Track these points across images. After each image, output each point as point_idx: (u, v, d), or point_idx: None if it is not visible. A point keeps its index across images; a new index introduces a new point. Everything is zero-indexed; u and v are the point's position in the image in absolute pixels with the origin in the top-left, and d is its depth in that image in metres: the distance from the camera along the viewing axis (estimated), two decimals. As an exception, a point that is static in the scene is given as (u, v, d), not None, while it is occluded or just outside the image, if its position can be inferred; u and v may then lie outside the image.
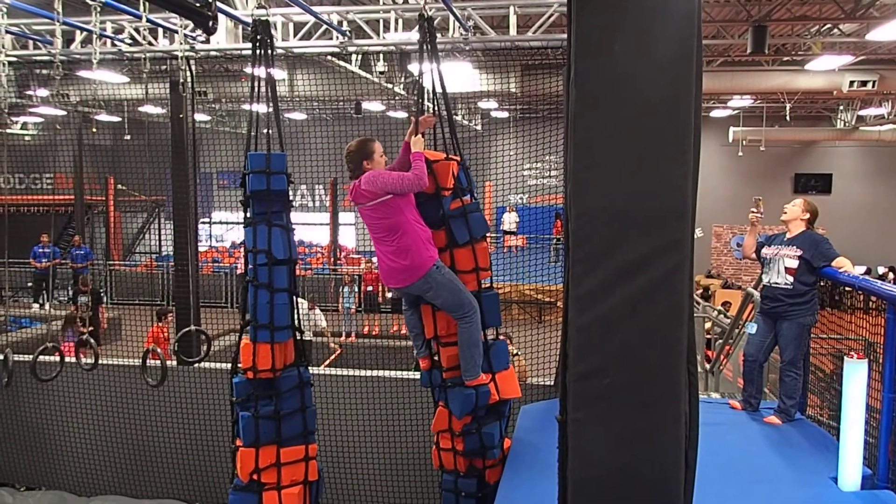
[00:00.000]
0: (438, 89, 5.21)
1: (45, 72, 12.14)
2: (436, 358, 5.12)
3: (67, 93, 14.34)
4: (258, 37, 4.94)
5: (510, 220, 21.24)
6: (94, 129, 16.83)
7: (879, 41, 12.38)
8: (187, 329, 7.98)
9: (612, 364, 2.41)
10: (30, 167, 21.79)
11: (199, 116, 16.69)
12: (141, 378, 7.90)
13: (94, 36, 7.76)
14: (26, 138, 20.79)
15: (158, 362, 7.85)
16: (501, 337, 8.21)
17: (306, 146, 13.53)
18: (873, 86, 14.64)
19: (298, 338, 5.11)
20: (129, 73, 13.10)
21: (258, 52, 5.00)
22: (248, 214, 4.92)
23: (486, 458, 5.11)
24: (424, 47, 5.16)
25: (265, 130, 5.03)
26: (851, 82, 14.56)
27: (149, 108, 17.06)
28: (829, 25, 12.79)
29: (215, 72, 14.65)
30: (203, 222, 18.08)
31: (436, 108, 5.30)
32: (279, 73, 13.10)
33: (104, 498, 9.01)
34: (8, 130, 14.34)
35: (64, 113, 16.41)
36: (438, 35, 5.58)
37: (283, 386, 4.93)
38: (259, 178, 4.78)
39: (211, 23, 4.71)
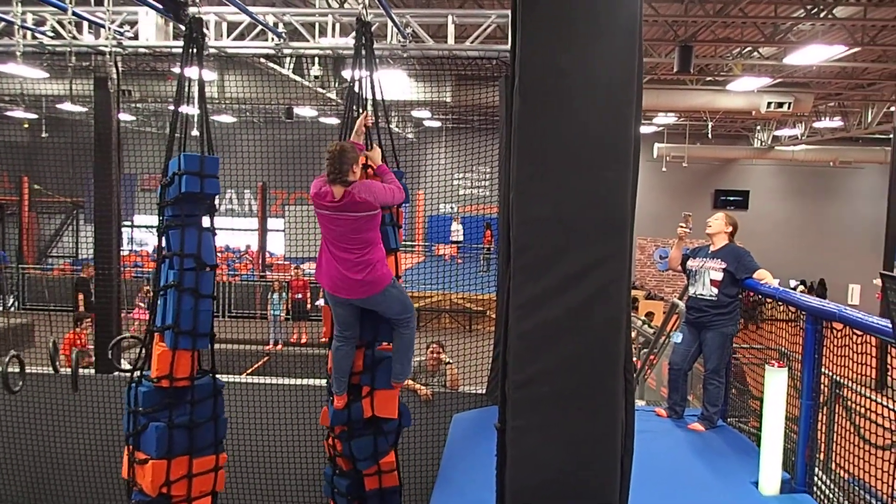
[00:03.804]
0: (376, 96, 5.18)
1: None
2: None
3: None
4: (192, 34, 4.77)
5: (457, 231, 21.77)
6: (27, 125, 15.98)
7: (795, 65, 13.02)
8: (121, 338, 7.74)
9: (552, 372, 2.43)
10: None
11: (122, 116, 16.13)
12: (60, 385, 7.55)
13: (17, 27, 7.39)
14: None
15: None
16: (433, 346, 8.18)
17: (235, 149, 13.22)
18: (789, 107, 15.41)
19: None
20: (48, 69, 12.52)
21: (189, 50, 4.83)
22: (170, 215, 4.68)
23: (356, 467, 5.09)
24: (361, 52, 5.12)
25: (193, 132, 4.87)
26: (769, 103, 15.28)
27: (68, 106, 16.38)
28: (749, 48, 13.37)
29: (141, 70, 14.18)
30: (125, 226, 17.45)
31: (368, 114, 5.24)
32: (209, 74, 12.78)
33: (9, 512, 8.54)
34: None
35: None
36: (376, 41, 5.55)
37: (199, 394, 4.77)
38: (193, 180, 4.59)
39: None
